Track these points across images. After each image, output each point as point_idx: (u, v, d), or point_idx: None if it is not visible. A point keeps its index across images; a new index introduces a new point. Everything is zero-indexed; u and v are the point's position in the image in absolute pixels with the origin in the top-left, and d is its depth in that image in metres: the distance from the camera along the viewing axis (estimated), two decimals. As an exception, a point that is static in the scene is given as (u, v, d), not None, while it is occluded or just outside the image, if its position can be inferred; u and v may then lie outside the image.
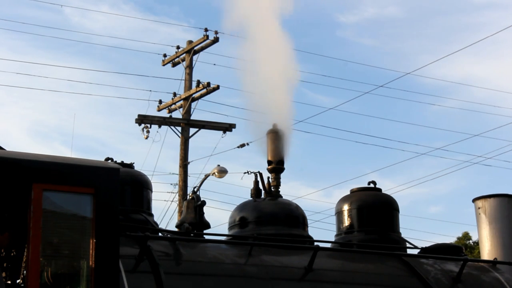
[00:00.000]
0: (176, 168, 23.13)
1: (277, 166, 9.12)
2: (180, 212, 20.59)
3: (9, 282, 6.69)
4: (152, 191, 8.41)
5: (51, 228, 6.12)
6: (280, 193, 9.07)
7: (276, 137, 9.17)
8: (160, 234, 8.00)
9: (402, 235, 9.38)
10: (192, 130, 23.02)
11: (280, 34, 9.63)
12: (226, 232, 8.86)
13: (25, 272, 6.15)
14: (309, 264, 7.83)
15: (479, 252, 10.65)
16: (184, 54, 23.60)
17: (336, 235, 9.35)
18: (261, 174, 8.99)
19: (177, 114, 23.28)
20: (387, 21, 52.51)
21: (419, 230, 48.27)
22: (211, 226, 8.59)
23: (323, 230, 27.56)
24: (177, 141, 23.05)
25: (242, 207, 8.90)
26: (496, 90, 59.27)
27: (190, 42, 23.56)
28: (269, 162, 9.14)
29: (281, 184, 9.13)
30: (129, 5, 53.92)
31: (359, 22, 52.19)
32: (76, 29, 51.71)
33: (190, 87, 23.31)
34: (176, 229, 8.48)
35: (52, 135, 51.31)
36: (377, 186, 9.44)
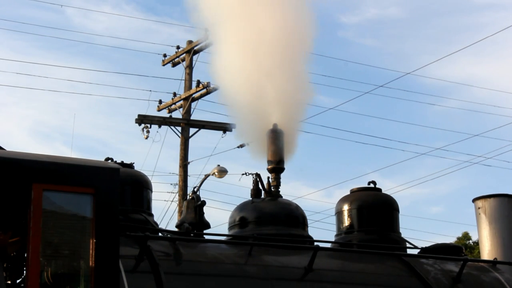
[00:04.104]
0: (176, 168, 23.13)
1: (277, 166, 9.11)
2: (180, 212, 20.58)
3: (9, 282, 6.69)
4: (152, 191, 8.40)
5: (51, 228, 6.12)
6: (280, 193, 9.07)
7: (276, 137, 9.16)
8: (160, 234, 8.00)
9: (402, 235, 9.38)
10: (192, 130, 23.01)
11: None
12: (226, 232, 8.86)
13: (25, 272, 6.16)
14: (309, 264, 7.83)
15: (479, 252, 10.65)
16: (184, 54, 23.60)
17: (336, 235, 9.35)
18: (259, 175, 8.99)
19: (177, 114, 23.30)
20: (389, 21, 52.54)
21: (419, 230, 48.26)
22: (211, 226, 8.60)
23: (323, 230, 27.55)
24: (177, 141, 23.06)
25: (242, 207, 8.90)
26: (496, 90, 59.34)
27: (190, 42, 23.55)
28: (269, 162, 9.14)
29: (282, 184, 9.14)
30: (131, 6, 53.96)
31: (361, 23, 52.22)
32: (78, 30, 51.78)
33: (190, 87, 23.30)
34: (176, 229, 8.48)
35: (53, 135, 51.35)
36: (377, 186, 9.44)
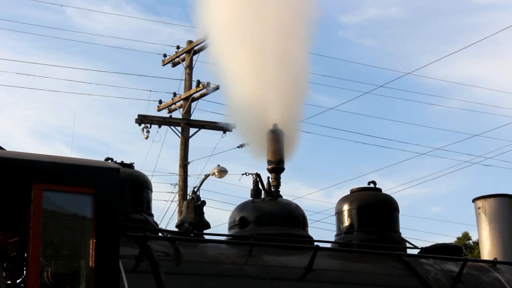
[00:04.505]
0: (176, 168, 23.12)
1: (277, 166, 9.11)
2: (180, 212, 20.58)
3: (9, 282, 6.69)
4: (152, 191, 8.40)
5: (51, 228, 6.12)
6: (280, 193, 9.07)
7: (276, 137, 9.16)
8: (160, 234, 8.00)
9: (402, 235, 9.38)
10: (192, 130, 23.01)
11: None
12: (226, 232, 8.86)
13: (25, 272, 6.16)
14: (309, 264, 7.83)
15: (479, 252, 10.64)
16: (184, 54, 23.60)
17: (336, 235, 9.35)
18: (259, 175, 8.98)
19: (177, 114, 23.29)
20: (389, 21, 52.57)
21: (419, 230, 48.27)
22: (211, 226, 8.60)
23: (323, 230, 27.56)
24: (177, 141, 23.05)
25: (242, 207, 8.90)
26: (496, 90, 59.39)
27: (190, 42, 23.55)
28: (269, 162, 9.14)
29: (282, 184, 9.13)
30: (131, 6, 53.97)
31: (361, 23, 52.25)
32: (78, 30, 51.80)
33: (190, 87, 23.29)
34: (176, 229, 8.48)
35: (53, 136, 51.34)
36: (377, 186, 9.44)
